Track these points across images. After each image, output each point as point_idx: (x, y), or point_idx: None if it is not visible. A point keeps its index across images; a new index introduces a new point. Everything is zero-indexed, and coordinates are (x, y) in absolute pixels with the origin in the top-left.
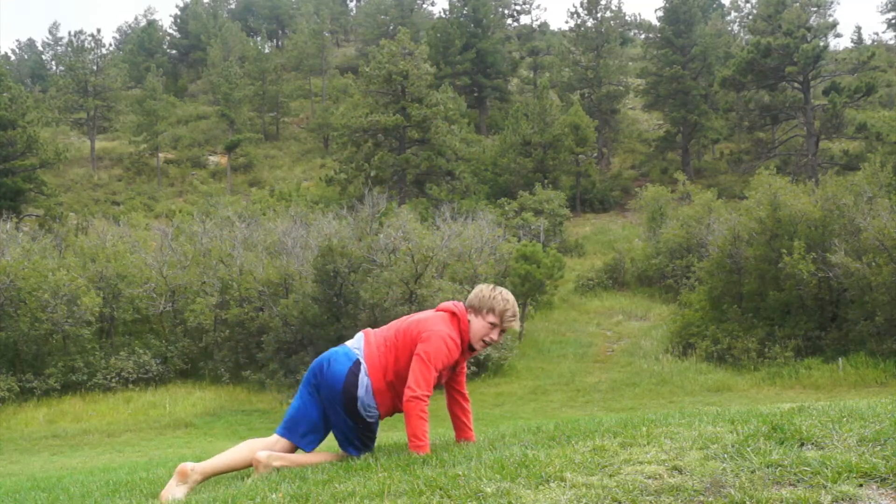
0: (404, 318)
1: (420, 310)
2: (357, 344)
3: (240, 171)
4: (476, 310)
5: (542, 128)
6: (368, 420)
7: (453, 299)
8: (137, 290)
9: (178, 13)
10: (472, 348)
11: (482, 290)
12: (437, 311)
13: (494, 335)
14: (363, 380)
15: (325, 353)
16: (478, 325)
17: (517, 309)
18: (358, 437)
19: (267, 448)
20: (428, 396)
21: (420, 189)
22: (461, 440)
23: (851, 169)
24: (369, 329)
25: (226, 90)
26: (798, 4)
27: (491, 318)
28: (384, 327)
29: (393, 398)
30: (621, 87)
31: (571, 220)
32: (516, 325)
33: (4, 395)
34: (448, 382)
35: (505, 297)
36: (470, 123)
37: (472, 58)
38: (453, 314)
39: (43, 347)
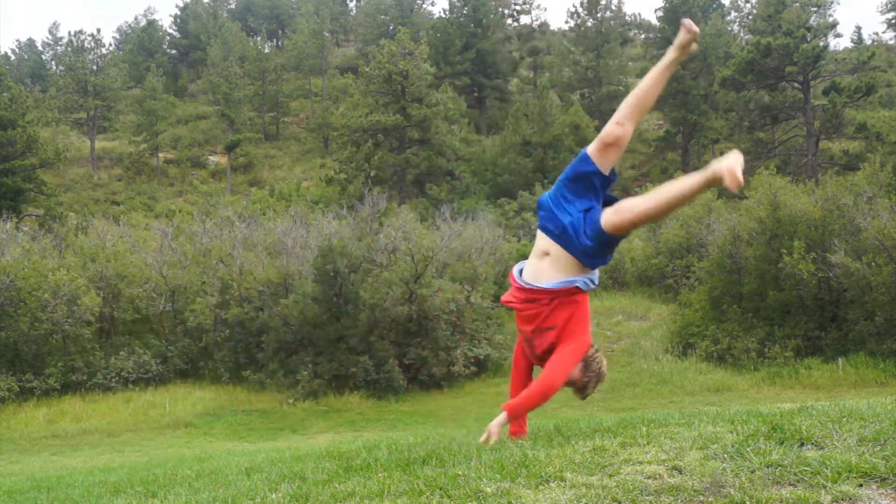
0: None
1: (419, 310)
2: None
3: (240, 171)
4: None
5: (542, 128)
6: None
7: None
8: (137, 289)
9: (178, 13)
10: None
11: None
12: None
13: None
14: None
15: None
16: None
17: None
18: None
19: None
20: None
21: (420, 189)
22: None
23: (851, 169)
24: None
25: (226, 90)
26: (798, 4)
27: None
28: None
29: None
30: (621, 88)
31: None
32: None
33: (4, 395)
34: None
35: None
36: (470, 123)
37: (472, 58)
38: None
39: (43, 347)
